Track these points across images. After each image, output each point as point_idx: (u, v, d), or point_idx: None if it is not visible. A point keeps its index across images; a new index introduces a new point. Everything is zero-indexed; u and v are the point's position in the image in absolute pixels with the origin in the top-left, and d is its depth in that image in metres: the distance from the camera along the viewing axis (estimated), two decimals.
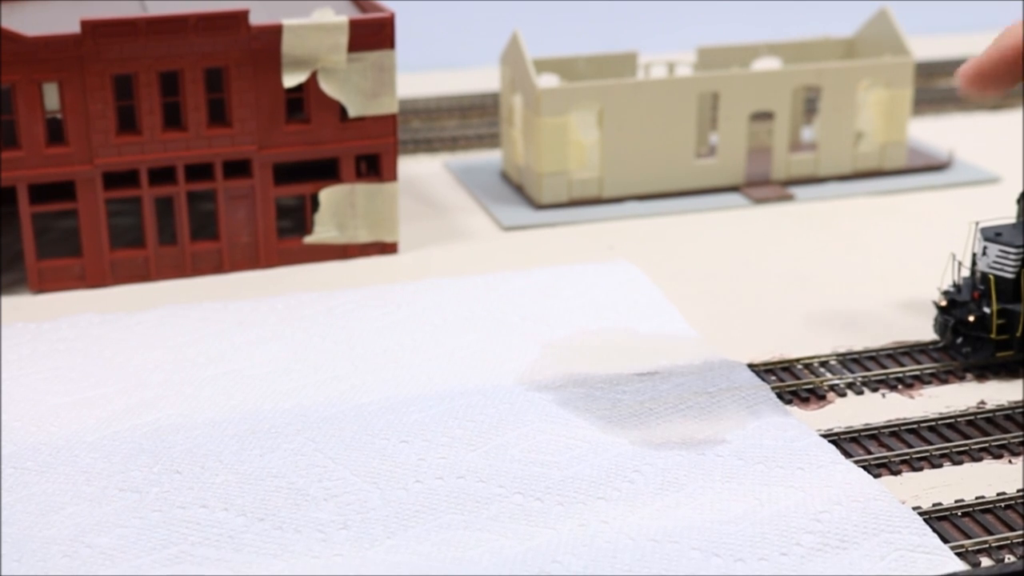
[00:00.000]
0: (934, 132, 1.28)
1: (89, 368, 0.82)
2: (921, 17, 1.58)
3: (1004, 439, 0.75)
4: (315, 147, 0.97)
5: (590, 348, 0.85)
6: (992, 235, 0.82)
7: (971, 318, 0.81)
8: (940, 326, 0.84)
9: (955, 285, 0.84)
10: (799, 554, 0.64)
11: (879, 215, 1.08)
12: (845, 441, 0.75)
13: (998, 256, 0.81)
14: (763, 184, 1.13)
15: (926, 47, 1.46)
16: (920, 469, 0.73)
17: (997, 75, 0.78)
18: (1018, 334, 0.81)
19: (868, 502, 0.68)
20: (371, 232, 1.00)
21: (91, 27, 0.90)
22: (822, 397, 0.80)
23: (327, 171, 0.99)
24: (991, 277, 0.81)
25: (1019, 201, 0.84)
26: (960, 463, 0.73)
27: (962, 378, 0.82)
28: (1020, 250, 0.80)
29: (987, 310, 0.81)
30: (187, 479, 0.70)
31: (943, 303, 0.83)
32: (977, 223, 0.83)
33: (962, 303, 0.82)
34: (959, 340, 0.82)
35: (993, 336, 0.81)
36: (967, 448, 0.74)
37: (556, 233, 1.05)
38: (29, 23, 0.94)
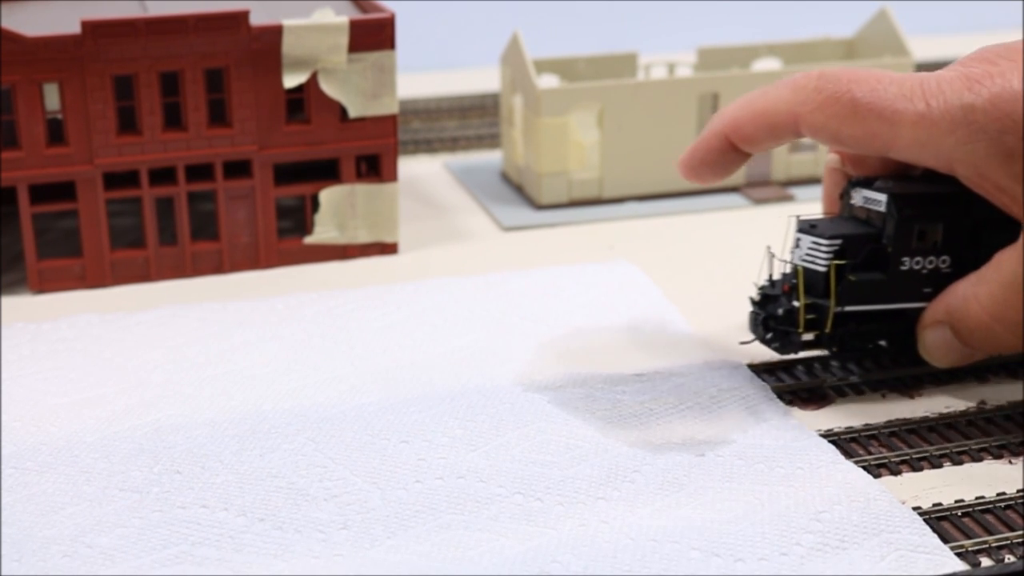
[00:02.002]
0: None
1: (89, 368, 0.82)
2: (921, 17, 1.58)
3: (1004, 439, 0.75)
4: (315, 147, 0.97)
5: (590, 348, 0.85)
6: (807, 227, 0.79)
7: (780, 312, 0.78)
8: (751, 321, 0.80)
9: (771, 280, 0.80)
10: (799, 554, 0.64)
11: None
12: (845, 441, 0.75)
13: (810, 248, 0.78)
14: (763, 184, 1.13)
15: (926, 47, 1.46)
16: (920, 469, 0.73)
17: (706, 161, 0.79)
18: (827, 330, 0.78)
19: (868, 502, 0.68)
20: (371, 232, 1.00)
21: (91, 27, 0.90)
22: (822, 397, 0.80)
23: (327, 171, 0.99)
24: (800, 269, 0.77)
25: (842, 196, 0.82)
26: (960, 463, 0.73)
27: (962, 378, 0.82)
28: (831, 243, 0.77)
29: (796, 304, 0.77)
30: (187, 479, 0.70)
31: (758, 298, 0.79)
32: (798, 216, 0.80)
33: (774, 297, 0.79)
34: (768, 335, 0.79)
35: (800, 331, 0.78)
36: (967, 448, 0.74)
37: (556, 233, 1.05)
38: (29, 23, 0.94)
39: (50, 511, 0.67)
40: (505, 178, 1.16)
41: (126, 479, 0.70)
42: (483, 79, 1.40)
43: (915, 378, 0.82)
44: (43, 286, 0.95)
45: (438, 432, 0.74)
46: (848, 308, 0.77)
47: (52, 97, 0.92)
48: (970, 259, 0.78)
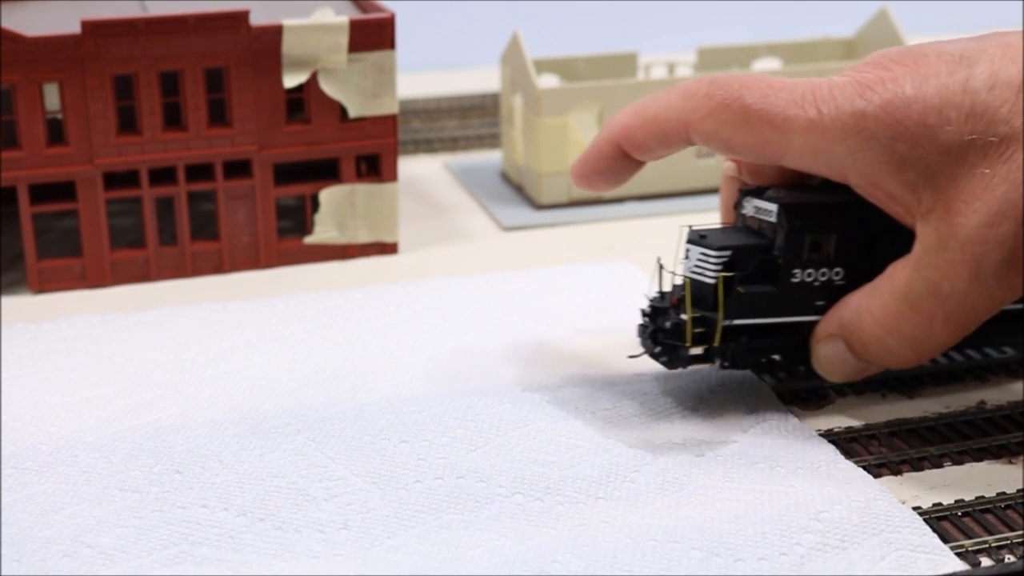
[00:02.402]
0: None
1: (89, 368, 0.82)
2: (921, 17, 1.58)
3: (1004, 439, 0.75)
4: (315, 147, 0.97)
5: (590, 348, 0.85)
6: (696, 237, 0.76)
7: (668, 325, 0.75)
8: (640, 333, 0.77)
9: (661, 292, 0.77)
10: (799, 554, 0.64)
11: None
12: (845, 441, 0.75)
13: (699, 260, 0.75)
14: None
15: None
16: (920, 469, 0.73)
17: (597, 169, 0.77)
18: (715, 343, 0.75)
19: (868, 502, 0.68)
20: (371, 232, 1.00)
21: (91, 27, 0.90)
22: (822, 397, 0.80)
23: (327, 171, 0.99)
24: (687, 281, 0.75)
25: (735, 206, 0.79)
26: (960, 463, 0.73)
27: (962, 378, 0.82)
28: (720, 254, 0.74)
29: (684, 317, 0.75)
30: (187, 479, 0.70)
31: (648, 310, 0.76)
32: (690, 226, 0.77)
33: (663, 310, 0.75)
34: (657, 349, 0.76)
35: (688, 345, 0.75)
36: (967, 448, 0.74)
37: (556, 233, 1.05)
38: (29, 23, 0.94)
39: (50, 511, 0.67)
40: (505, 178, 1.16)
41: (126, 479, 0.70)
42: (483, 79, 1.40)
43: (915, 378, 0.82)
44: (43, 286, 0.95)
45: (438, 432, 0.74)
46: (737, 322, 0.75)
47: (52, 97, 0.92)
48: (864, 270, 0.75)
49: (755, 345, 0.76)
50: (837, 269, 0.76)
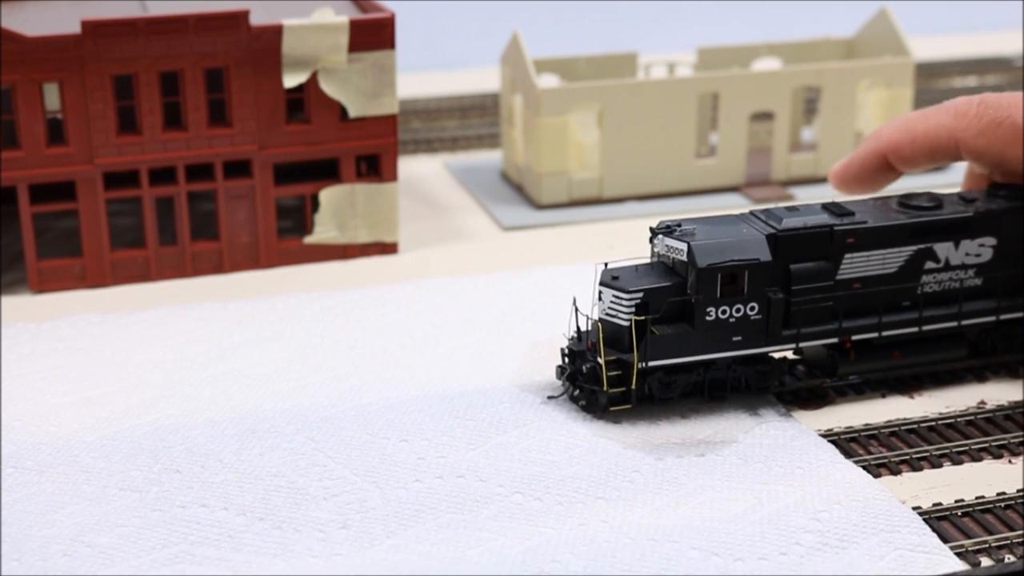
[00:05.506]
0: None
1: (89, 368, 0.82)
2: (921, 17, 1.58)
3: (1004, 439, 0.75)
4: (315, 147, 0.97)
5: None
6: (609, 279, 0.75)
7: (585, 369, 0.75)
8: (558, 374, 0.77)
9: (579, 332, 0.76)
10: (798, 553, 0.64)
11: None
12: (845, 441, 0.75)
13: (612, 302, 0.74)
14: (763, 184, 1.13)
15: (926, 47, 1.46)
16: (920, 469, 0.73)
17: (860, 178, 0.83)
18: (632, 386, 0.74)
19: (868, 502, 0.68)
20: (371, 232, 1.00)
21: (91, 27, 0.90)
22: (822, 397, 0.80)
23: (327, 171, 0.99)
24: (599, 324, 0.74)
25: (652, 239, 0.77)
26: (960, 463, 0.73)
27: (962, 378, 0.82)
28: (632, 296, 0.74)
29: (600, 361, 0.74)
30: (187, 478, 0.70)
31: (567, 351, 0.76)
32: (607, 264, 0.76)
33: (580, 352, 0.75)
34: (576, 392, 0.76)
35: (605, 389, 0.74)
36: (967, 448, 0.74)
37: (556, 233, 1.05)
38: (29, 23, 0.94)
39: (50, 511, 0.67)
40: (505, 178, 1.16)
41: (126, 478, 0.70)
42: (483, 79, 1.40)
43: (915, 378, 0.82)
44: (43, 286, 0.95)
45: (438, 431, 0.74)
46: (654, 363, 0.74)
47: (52, 97, 0.92)
48: (781, 303, 0.75)
49: (670, 381, 0.76)
50: (752, 304, 0.75)
